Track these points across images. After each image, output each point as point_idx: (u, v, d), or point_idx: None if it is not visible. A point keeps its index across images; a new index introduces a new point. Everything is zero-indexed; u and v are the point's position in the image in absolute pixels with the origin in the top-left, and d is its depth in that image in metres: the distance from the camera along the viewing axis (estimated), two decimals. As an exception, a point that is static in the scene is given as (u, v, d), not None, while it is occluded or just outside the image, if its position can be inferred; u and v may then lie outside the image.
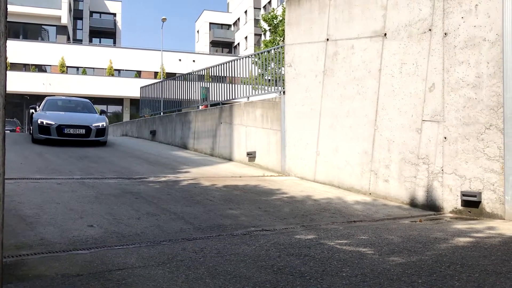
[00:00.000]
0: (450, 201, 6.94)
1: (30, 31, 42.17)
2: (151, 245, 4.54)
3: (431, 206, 7.16)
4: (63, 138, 12.87)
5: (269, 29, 31.45)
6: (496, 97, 6.43)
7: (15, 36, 40.56)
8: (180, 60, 43.35)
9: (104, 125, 13.60)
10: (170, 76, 32.87)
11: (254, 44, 53.44)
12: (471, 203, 6.65)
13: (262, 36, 43.58)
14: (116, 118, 40.19)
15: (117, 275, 3.50)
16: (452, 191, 6.92)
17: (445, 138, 7.03)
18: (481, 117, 6.60)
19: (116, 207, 6.12)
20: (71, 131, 12.96)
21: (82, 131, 13.13)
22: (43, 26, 42.72)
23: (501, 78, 6.38)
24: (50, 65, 39.45)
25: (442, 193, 7.04)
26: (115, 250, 4.27)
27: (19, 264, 3.74)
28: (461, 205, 6.78)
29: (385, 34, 8.07)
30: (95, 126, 13.38)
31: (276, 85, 11.76)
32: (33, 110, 14.52)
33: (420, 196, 7.35)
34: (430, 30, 7.33)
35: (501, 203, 6.34)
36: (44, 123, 12.82)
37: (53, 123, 12.84)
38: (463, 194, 6.70)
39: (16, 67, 37.93)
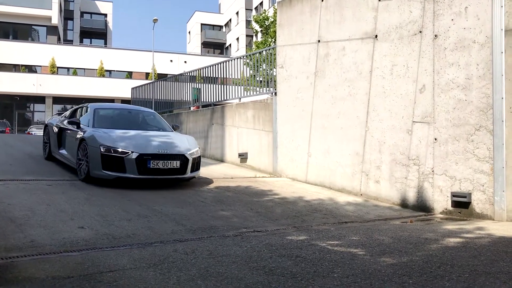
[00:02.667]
0: (440, 202, 6.99)
1: (20, 31, 41.83)
2: (142, 246, 4.53)
3: (422, 207, 7.20)
4: (146, 177, 7.64)
5: (261, 31, 31.47)
6: (486, 98, 6.49)
7: (5, 36, 40.24)
8: (171, 61, 43.23)
9: (199, 152, 8.63)
10: (162, 77, 32.79)
11: (246, 45, 53.45)
12: (461, 204, 6.70)
13: (254, 37, 43.62)
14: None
15: (108, 276, 3.48)
16: (442, 192, 6.96)
17: (436, 139, 7.08)
18: (471, 118, 6.65)
19: (107, 208, 6.09)
20: (160, 165, 7.71)
21: (176, 164, 7.88)
22: (33, 26, 42.39)
23: (490, 80, 6.44)
24: (40, 66, 39.16)
25: (432, 194, 7.09)
26: (106, 252, 4.25)
27: (9, 266, 3.71)
28: (451, 206, 6.83)
29: (376, 36, 8.11)
30: (191, 154, 8.19)
31: (267, 86, 11.78)
32: (59, 122, 9.76)
33: (411, 197, 7.39)
34: (420, 32, 7.38)
35: (491, 203, 6.39)
36: (113, 150, 7.58)
37: (129, 151, 7.59)
38: (453, 195, 6.75)
39: (5, 67, 37.62)
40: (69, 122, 8.89)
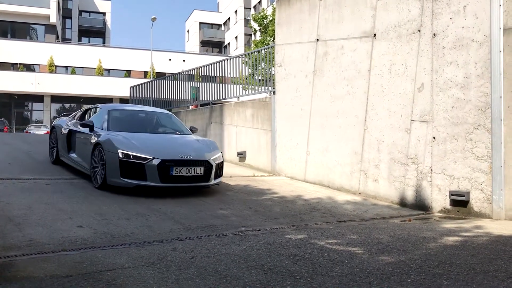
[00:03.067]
0: (439, 201, 7.00)
1: (18, 30, 41.76)
2: (141, 245, 4.53)
3: (420, 205, 7.21)
4: (169, 185, 7.07)
5: (259, 29, 31.45)
6: (484, 97, 6.49)
7: (3, 35, 40.16)
8: (170, 59, 43.19)
9: (222, 157, 7.99)
10: (160, 75, 32.76)
11: (244, 44, 53.42)
12: (460, 203, 6.71)
13: (252, 36, 43.59)
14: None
15: (107, 275, 3.48)
16: (440, 191, 6.97)
17: (434, 138, 7.09)
18: (469, 117, 6.66)
19: (106, 207, 6.09)
20: (183, 171, 7.12)
21: (200, 170, 7.28)
22: (31, 25, 42.32)
23: (489, 79, 6.45)
24: (38, 65, 39.08)
25: (431, 192, 7.10)
26: (105, 251, 4.25)
27: (8, 265, 3.71)
28: (450, 205, 6.84)
29: (375, 35, 8.11)
30: (214, 160, 7.57)
31: (266, 85, 11.78)
32: (68, 124, 9.13)
33: (409, 195, 7.39)
34: (419, 31, 7.38)
35: (489, 202, 6.40)
36: (133, 156, 6.95)
37: (150, 157, 6.97)
38: (452, 193, 6.76)
39: (4, 66, 37.54)
40: (81, 125, 8.14)
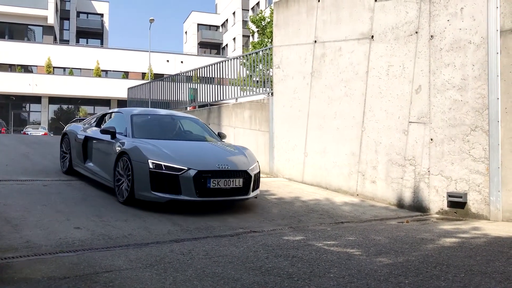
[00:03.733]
0: (436, 202, 7.01)
1: (16, 31, 41.70)
2: (138, 247, 4.52)
3: (418, 207, 7.22)
4: (206, 199, 6.31)
5: (257, 31, 31.49)
6: (482, 99, 6.51)
7: (1, 36, 40.09)
8: (168, 61, 43.18)
9: (258, 166, 7.16)
10: (158, 77, 32.76)
11: (242, 46, 53.44)
12: (457, 204, 6.72)
13: (250, 37, 43.61)
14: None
15: (104, 277, 3.48)
16: (438, 192, 6.98)
17: (432, 139, 7.10)
18: (466, 119, 6.68)
19: (103, 209, 6.08)
20: (221, 184, 6.35)
21: (239, 182, 6.52)
22: (29, 26, 42.26)
23: (486, 81, 6.46)
24: (36, 66, 39.03)
25: (428, 194, 7.11)
26: (102, 252, 4.24)
27: (5, 267, 3.70)
28: (447, 206, 6.85)
29: (372, 37, 8.12)
30: (252, 170, 6.79)
31: (264, 87, 11.78)
32: (83, 130, 8.30)
33: (407, 197, 7.40)
34: (416, 32, 7.40)
35: (486, 204, 6.41)
36: (165, 167, 6.18)
37: (185, 167, 6.19)
38: (449, 195, 6.77)
39: (1, 67, 37.47)
40: (102, 131, 7.26)
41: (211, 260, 4.04)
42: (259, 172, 7.02)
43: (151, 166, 6.17)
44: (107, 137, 7.26)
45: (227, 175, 6.40)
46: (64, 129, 9.41)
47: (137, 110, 8.30)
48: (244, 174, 6.58)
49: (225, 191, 6.44)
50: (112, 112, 8.56)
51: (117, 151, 6.79)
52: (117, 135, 7.15)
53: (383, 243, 4.82)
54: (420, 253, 4.36)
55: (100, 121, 8.48)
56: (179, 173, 6.14)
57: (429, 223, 6.33)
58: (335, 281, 3.45)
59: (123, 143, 6.81)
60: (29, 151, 11.63)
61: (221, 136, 8.22)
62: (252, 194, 6.75)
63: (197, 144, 7.49)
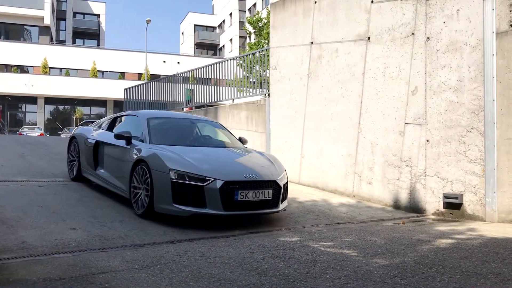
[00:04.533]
0: (432, 203, 7.02)
1: (12, 31, 41.60)
2: (134, 248, 4.52)
3: (414, 208, 7.24)
4: (233, 213, 5.69)
5: (254, 32, 31.50)
6: (477, 100, 6.53)
7: (-3, 36, 40.02)
8: (164, 61, 43.16)
9: (286, 175, 6.54)
10: (155, 77, 32.73)
11: (239, 47, 53.47)
12: (453, 205, 6.74)
13: (247, 38, 43.63)
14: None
15: (100, 278, 3.47)
16: (434, 193, 7.00)
17: (428, 141, 7.12)
18: (462, 120, 6.70)
19: (100, 209, 6.07)
20: (250, 196, 5.72)
21: (268, 194, 5.90)
22: (25, 27, 42.17)
23: (482, 82, 6.49)
24: (32, 66, 38.94)
25: (424, 195, 7.12)
26: (98, 253, 4.23)
27: (0, 268, 3.69)
28: (443, 207, 6.87)
29: (369, 38, 8.14)
30: (281, 180, 6.18)
31: (261, 88, 11.78)
32: (93, 135, 7.70)
33: (403, 198, 7.42)
34: (413, 34, 7.42)
35: (482, 205, 6.43)
36: (188, 177, 5.58)
37: (211, 177, 5.60)
38: (445, 196, 6.79)
39: (-3, 67, 37.41)
40: (116, 136, 6.66)
41: (207, 261, 4.04)
42: (287, 182, 6.42)
43: (172, 176, 5.55)
44: (122, 143, 6.66)
45: (255, 186, 5.77)
46: (72, 132, 8.82)
47: (153, 113, 7.82)
48: (273, 185, 5.96)
49: (254, 204, 5.79)
50: (125, 115, 7.88)
51: (134, 158, 6.18)
52: (133, 141, 6.55)
53: (379, 244, 4.83)
54: (416, 254, 4.37)
55: (112, 124, 7.80)
56: (204, 184, 5.52)
57: (425, 224, 6.34)
58: (331, 282, 3.45)
59: (139, 150, 6.23)
60: (25, 152, 11.59)
61: (242, 141, 7.57)
62: (281, 207, 6.12)
63: (220, 151, 6.84)
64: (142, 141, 6.53)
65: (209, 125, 7.82)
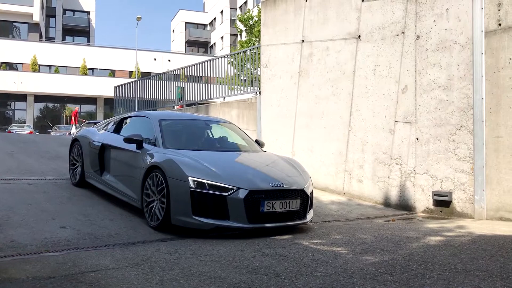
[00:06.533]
0: (422, 201, 7.07)
1: (1, 28, 41.13)
2: (125, 246, 4.50)
3: (404, 205, 7.28)
4: (259, 226, 5.16)
5: (245, 30, 31.48)
6: (467, 99, 6.58)
7: (-15, 33, 39.58)
8: (155, 59, 42.98)
9: (312, 183, 5.95)
10: (145, 75, 32.58)
11: (230, 44, 53.37)
12: (442, 203, 6.80)
13: (238, 36, 43.59)
14: (89, 117, 39.62)
15: (90, 277, 3.46)
16: (424, 191, 7.05)
17: (417, 139, 7.16)
18: (452, 118, 6.75)
19: (90, 208, 6.04)
20: (277, 206, 5.21)
21: (295, 204, 5.38)
22: (14, 23, 41.75)
23: (471, 81, 6.54)
24: (21, 63, 38.58)
25: (414, 193, 7.17)
26: (88, 252, 4.21)
27: (-11, 267, 3.66)
28: (433, 205, 6.92)
29: (359, 36, 8.17)
30: (307, 187, 5.64)
31: (252, 86, 11.79)
32: (99, 137, 7.09)
33: (393, 196, 7.46)
34: (403, 32, 7.45)
35: (471, 202, 6.49)
36: (209, 185, 5.07)
37: (234, 186, 5.09)
38: (435, 194, 6.84)
39: (-15, 65, 37.02)
40: (125, 140, 6.06)
41: (198, 259, 4.04)
42: (313, 190, 5.92)
43: (192, 184, 5.03)
44: (132, 147, 6.08)
45: (282, 196, 5.26)
46: (74, 134, 8.14)
47: (165, 114, 7.34)
48: (301, 194, 5.45)
49: (281, 216, 5.27)
50: (133, 116, 7.25)
51: (147, 164, 5.62)
52: (144, 145, 6.00)
53: (369, 242, 4.86)
54: (405, 252, 4.40)
55: (119, 125, 7.14)
56: (227, 193, 5.02)
57: (415, 222, 6.39)
58: (322, 280, 3.46)
59: (152, 155, 5.68)
60: (14, 150, 11.49)
61: (259, 144, 6.97)
62: (308, 218, 5.62)
63: (240, 156, 6.27)
64: (154, 144, 5.96)
65: (224, 127, 7.17)
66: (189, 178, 5.07)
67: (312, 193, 5.74)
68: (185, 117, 7.46)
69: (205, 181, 5.05)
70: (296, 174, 5.77)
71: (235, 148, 6.64)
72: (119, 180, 6.36)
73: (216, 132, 6.96)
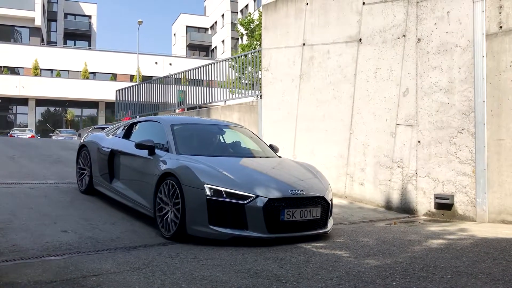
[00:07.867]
0: (424, 204, 7.06)
1: (2, 32, 41.30)
2: (126, 250, 4.50)
3: (406, 208, 7.27)
4: (279, 235, 4.90)
5: (246, 33, 31.53)
6: (468, 102, 6.58)
7: (-13, 37, 39.71)
8: (156, 63, 43.08)
9: (331, 189, 5.75)
10: (146, 79, 32.64)
11: (231, 48, 53.46)
12: (444, 206, 6.78)
13: (239, 40, 43.65)
14: (91, 121, 39.68)
15: (92, 281, 3.45)
16: (425, 194, 7.04)
17: (419, 142, 7.16)
18: (453, 121, 6.74)
19: (91, 212, 6.04)
20: (297, 215, 4.97)
21: (316, 212, 5.14)
22: (15, 28, 41.91)
23: (472, 84, 6.54)
24: (23, 68, 38.70)
25: (416, 196, 7.16)
26: (90, 256, 4.21)
27: (-10, 271, 3.66)
28: (435, 208, 6.91)
29: (360, 40, 8.18)
30: (327, 194, 5.41)
31: (253, 89, 11.80)
32: (108, 142, 6.89)
33: (395, 199, 7.45)
34: (404, 36, 7.46)
35: (473, 205, 6.48)
36: (226, 193, 4.84)
37: (252, 194, 4.86)
38: (436, 196, 6.83)
39: (-13, 69, 37.11)
40: (137, 146, 5.77)
41: (200, 263, 4.03)
42: (332, 197, 5.67)
43: (208, 192, 4.81)
44: (143, 153, 5.83)
45: (303, 204, 5.02)
46: (82, 140, 7.98)
47: (176, 118, 7.13)
48: (321, 201, 5.20)
49: (301, 225, 5.04)
50: (143, 121, 7.04)
51: (160, 171, 5.38)
52: (156, 151, 5.75)
53: (371, 245, 4.85)
54: (407, 255, 4.39)
55: (128, 131, 6.91)
56: (245, 202, 4.79)
57: (417, 225, 6.37)
58: (323, 283, 3.46)
59: (165, 161, 5.46)
60: (15, 154, 11.51)
61: (274, 148, 6.70)
62: (329, 226, 5.37)
63: (256, 162, 6.01)
64: (167, 150, 5.72)
65: (238, 132, 6.89)
66: (206, 185, 4.85)
67: (332, 200, 5.50)
68: (197, 122, 7.30)
69: (222, 189, 4.83)
70: (315, 181, 5.55)
71: (249, 154, 6.41)
72: (130, 187, 6.12)
73: (229, 136, 6.71)
